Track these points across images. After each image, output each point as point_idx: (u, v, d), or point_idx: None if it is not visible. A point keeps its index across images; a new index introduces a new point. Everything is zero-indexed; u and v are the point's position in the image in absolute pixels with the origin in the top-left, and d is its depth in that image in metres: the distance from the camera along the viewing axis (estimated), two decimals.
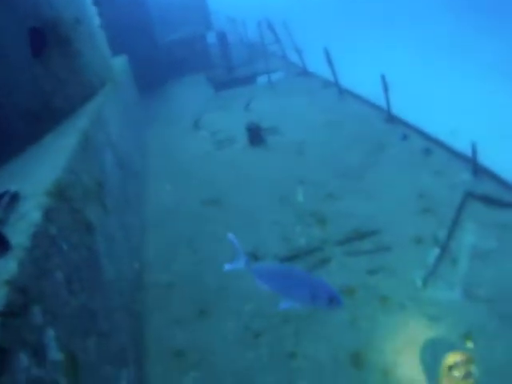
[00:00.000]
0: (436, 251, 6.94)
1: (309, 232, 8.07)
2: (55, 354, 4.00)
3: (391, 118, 12.18)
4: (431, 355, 5.46)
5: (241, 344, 6.05)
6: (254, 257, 7.52)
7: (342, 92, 15.29)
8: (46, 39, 7.38)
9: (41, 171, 5.35)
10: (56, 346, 4.05)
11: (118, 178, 8.12)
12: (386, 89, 11.91)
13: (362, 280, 6.74)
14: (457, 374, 4.78)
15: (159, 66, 22.20)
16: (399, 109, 12.32)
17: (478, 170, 8.72)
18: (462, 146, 9.30)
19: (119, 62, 13.91)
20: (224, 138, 13.40)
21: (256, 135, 12.55)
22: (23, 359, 3.59)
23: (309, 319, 6.26)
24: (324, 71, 16.39)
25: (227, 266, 4.67)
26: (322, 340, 5.94)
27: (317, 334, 6.06)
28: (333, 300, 4.01)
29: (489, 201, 7.83)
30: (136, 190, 9.80)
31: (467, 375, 4.79)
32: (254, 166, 11.27)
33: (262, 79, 19.89)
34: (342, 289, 6.51)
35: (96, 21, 10.93)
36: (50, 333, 4.03)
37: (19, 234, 4.18)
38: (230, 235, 4.46)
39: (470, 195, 8.02)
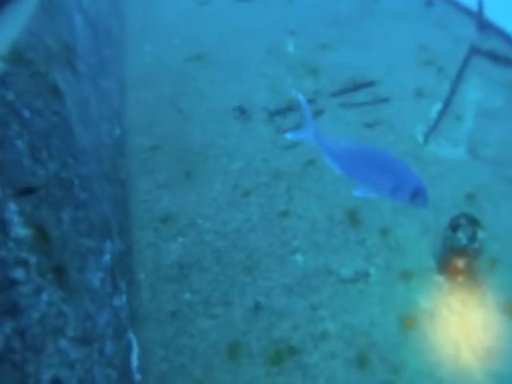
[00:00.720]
0: (438, 106, 6.13)
1: (300, 84, 7.27)
2: (19, 230, 3.31)
3: None
4: (434, 219, 4.89)
5: (230, 205, 5.47)
6: (241, 110, 6.70)
7: None
8: None
9: None
10: (20, 221, 3.36)
11: (91, 42, 7.10)
12: None
13: (358, 133, 6.10)
14: (461, 235, 4.21)
15: None
16: None
17: (484, 25, 7.70)
18: None
19: None
20: None
21: None
22: None
23: (301, 176, 5.70)
24: None
25: (290, 135, 3.66)
26: (316, 198, 5.40)
27: (310, 191, 5.50)
28: (417, 195, 3.11)
29: (495, 58, 6.92)
30: (113, 52, 8.75)
31: (473, 237, 4.23)
32: (239, 19, 10.14)
33: None
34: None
35: None
36: (12, 207, 3.32)
37: None
38: (300, 96, 3.46)
39: (475, 50, 7.09)
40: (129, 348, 4.17)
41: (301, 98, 3.47)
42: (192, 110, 7.09)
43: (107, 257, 4.38)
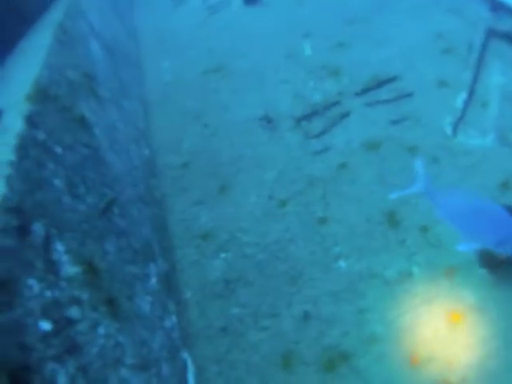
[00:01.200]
0: (463, 95, 5.99)
1: (322, 86, 7.14)
2: (69, 269, 3.33)
3: None
4: None
5: (267, 216, 5.42)
6: (267, 119, 6.62)
7: None
8: None
9: (18, 78, 4.47)
10: (68, 260, 3.37)
11: (109, 65, 7.06)
12: None
13: (386, 131, 5.98)
14: None
15: None
16: None
17: (496, 5, 7.44)
18: None
19: None
20: (216, 2, 11.76)
21: None
22: (33, 285, 2.91)
23: (335, 180, 5.58)
24: None
25: (396, 194, 3.65)
26: (352, 201, 5.33)
27: (346, 195, 5.43)
28: None
29: None
30: (131, 73, 8.69)
31: None
32: (253, 26, 9.95)
33: None
34: (365, 142, 5.76)
35: None
36: (59, 247, 3.33)
37: (3, 150, 3.41)
38: (418, 160, 3.47)
39: (492, 33, 6.87)
40: (184, 367, 4.17)
41: (418, 162, 3.49)
42: (217, 123, 7.02)
43: (153, 280, 4.39)
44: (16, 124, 3.70)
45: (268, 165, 5.98)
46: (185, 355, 4.23)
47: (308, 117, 6.49)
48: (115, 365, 3.27)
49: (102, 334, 3.27)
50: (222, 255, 5.05)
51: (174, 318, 4.38)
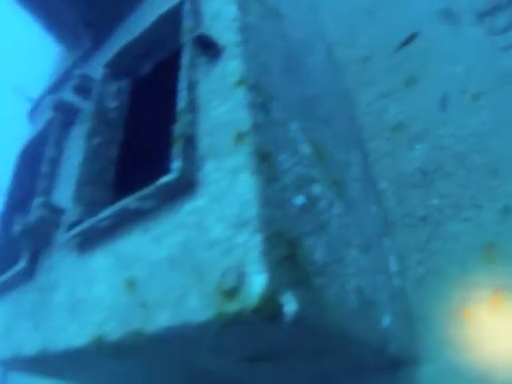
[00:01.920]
0: None
1: None
2: (305, 148, 3.09)
3: None
4: None
5: (461, 109, 4.73)
6: (447, 13, 5.77)
7: None
8: None
9: None
10: (303, 139, 3.12)
11: None
12: None
13: None
14: None
15: None
16: None
17: None
18: None
19: None
20: None
21: None
22: (285, 160, 2.69)
23: None
24: None
25: None
26: None
27: None
28: None
29: None
30: None
31: None
32: None
33: None
34: None
35: None
36: (294, 126, 3.08)
37: (224, 33, 3.14)
38: None
39: None
40: (387, 254, 3.93)
41: None
42: (391, 18, 6.18)
43: (356, 168, 4.10)
44: (228, 9, 3.42)
45: (454, 59, 5.20)
46: (387, 242, 3.98)
47: (490, 12, 5.63)
48: (347, 245, 3.07)
49: (336, 214, 3.05)
50: (418, 146, 4.59)
51: (375, 206, 4.11)
